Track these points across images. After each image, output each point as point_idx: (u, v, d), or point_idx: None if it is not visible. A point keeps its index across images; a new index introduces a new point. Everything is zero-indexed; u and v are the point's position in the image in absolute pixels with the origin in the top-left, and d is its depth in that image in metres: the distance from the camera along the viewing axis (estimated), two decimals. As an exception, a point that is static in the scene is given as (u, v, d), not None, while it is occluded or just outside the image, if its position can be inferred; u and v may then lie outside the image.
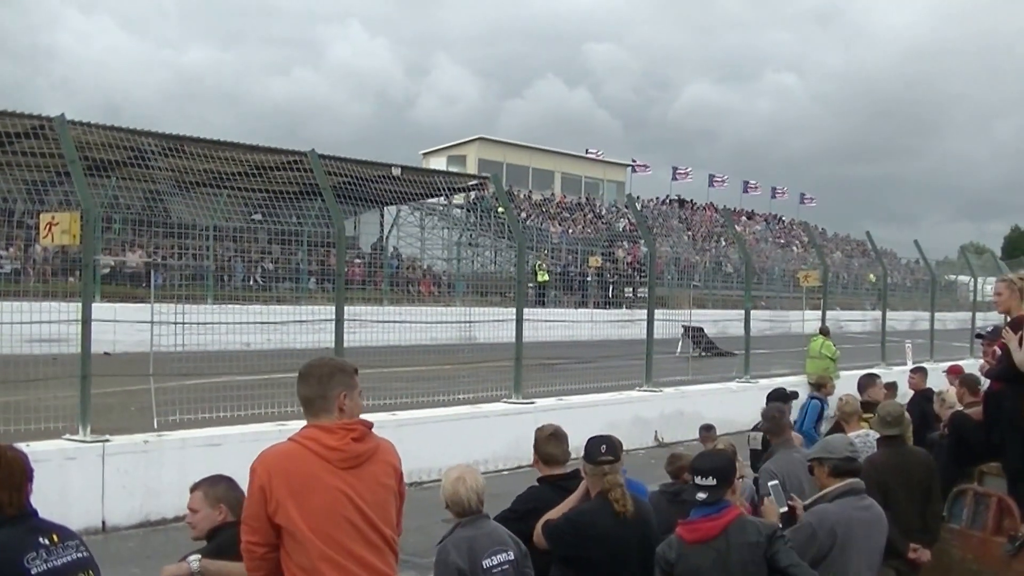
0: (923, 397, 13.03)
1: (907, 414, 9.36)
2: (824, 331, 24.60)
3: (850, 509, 6.72)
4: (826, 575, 6.54)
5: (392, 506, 5.04)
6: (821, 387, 14.69)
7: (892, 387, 14.43)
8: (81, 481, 12.49)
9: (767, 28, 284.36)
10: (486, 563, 5.94)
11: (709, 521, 5.96)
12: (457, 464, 6.46)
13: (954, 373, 15.08)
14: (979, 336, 13.58)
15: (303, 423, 4.93)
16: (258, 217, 25.09)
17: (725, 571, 5.85)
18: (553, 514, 6.60)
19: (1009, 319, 8.98)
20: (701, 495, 6.01)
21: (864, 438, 9.72)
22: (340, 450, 4.81)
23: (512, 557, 6.07)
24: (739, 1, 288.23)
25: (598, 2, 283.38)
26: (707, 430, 12.63)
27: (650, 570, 6.36)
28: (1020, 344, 8.44)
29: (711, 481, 6.01)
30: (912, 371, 15.11)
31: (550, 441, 7.14)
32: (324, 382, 4.95)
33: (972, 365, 19.44)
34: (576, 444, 7.05)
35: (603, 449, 6.56)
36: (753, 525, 6.06)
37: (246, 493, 4.83)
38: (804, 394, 15.10)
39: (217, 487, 5.59)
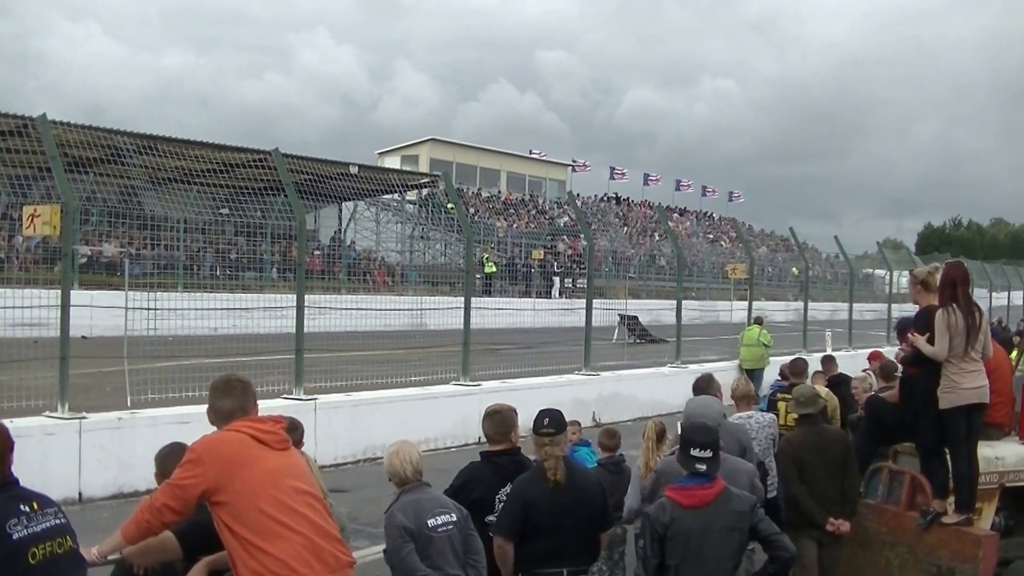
0: (832, 383, 13.10)
1: (824, 396, 9.46)
2: (759, 320, 24.72)
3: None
4: None
5: (318, 488, 5.30)
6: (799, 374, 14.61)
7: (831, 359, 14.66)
8: (60, 455, 12.48)
9: (708, 37, 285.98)
10: (431, 523, 6.06)
11: (703, 489, 6.11)
12: (397, 440, 6.55)
13: (874, 358, 15.27)
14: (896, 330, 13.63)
15: (265, 402, 5.05)
16: (225, 211, 24.95)
17: (713, 535, 6.02)
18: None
19: (918, 309, 9.12)
20: (700, 466, 6.14)
21: (747, 420, 9.82)
22: (274, 433, 5.11)
23: (455, 519, 6.19)
24: (683, 11, 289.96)
25: (550, 12, 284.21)
26: (572, 424, 12.76)
27: (584, 535, 6.57)
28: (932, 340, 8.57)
29: (708, 453, 6.15)
30: (823, 360, 15.18)
31: (487, 420, 7.22)
32: (245, 394, 5.31)
33: (889, 353, 19.74)
34: (519, 423, 7.15)
35: (545, 422, 6.67)
36: (739, 496, 6.22)
37: (186, 467, 4.97)
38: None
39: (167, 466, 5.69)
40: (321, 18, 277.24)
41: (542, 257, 41.25)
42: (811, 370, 13.80)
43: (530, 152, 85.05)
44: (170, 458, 5.68)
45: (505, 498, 6.65)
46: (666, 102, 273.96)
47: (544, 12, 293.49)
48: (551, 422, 6.67)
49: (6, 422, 4.87)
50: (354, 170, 31.75)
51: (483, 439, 7.33)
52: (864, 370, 14.27)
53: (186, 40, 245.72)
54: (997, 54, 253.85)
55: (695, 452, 6.17)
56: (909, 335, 8.85)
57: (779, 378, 14.36)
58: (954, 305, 8.51)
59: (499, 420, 7.10)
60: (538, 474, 6.58)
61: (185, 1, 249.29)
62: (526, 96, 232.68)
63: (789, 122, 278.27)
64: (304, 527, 4.92)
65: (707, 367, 23.21)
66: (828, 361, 14.76)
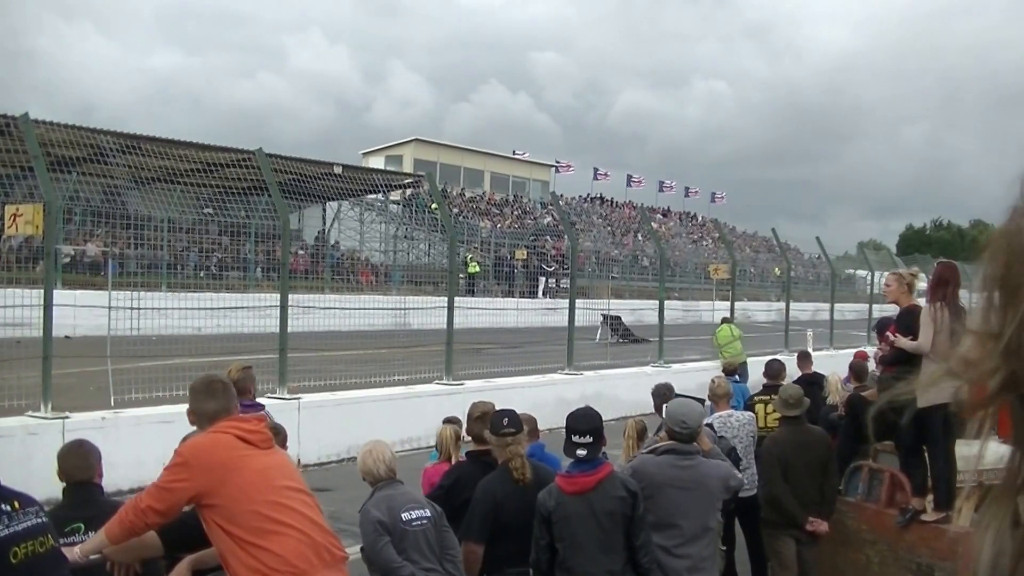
0: (804, 381, 13.08)
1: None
2: (726, 319, 24.74)
3: (666, 466, 6.88)
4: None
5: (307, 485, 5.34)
6: (733, 371, 14.71)
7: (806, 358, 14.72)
8: (43, 455, 12.34)
9: (701, 40, 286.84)
10: (405, 516, 6.10)
11: (586, 476, 6.26)
12: (370, 440, 6.60)
13: (860, 358, 15.30)
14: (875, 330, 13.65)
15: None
16: (209, 211, 24.85)
17: (596, 519, 6.16)
18: None
19: (900, 310, 9.15)
20: (581, 452, 6.30)
21: (727, 419, 9.89)
22: (259, 432, 5.17)
23: (429, 515, 6.23)
24: (680, 16, 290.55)
25: (544, 14, 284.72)
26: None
27: None
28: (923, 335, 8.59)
29: (588, 439, 6.32)
30: (799, 356, 15.18)
31: (479, 421, 7.24)
32: (227, 394, 5.37)
33: (870, 352, 19.83)
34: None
35: (505, 422, 6.73)
36: (622, 481, 6.37)
37: (174, 471, 5.02)
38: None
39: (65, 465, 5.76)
40: (314, 19, 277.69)
41: (525, 257, 41.20)
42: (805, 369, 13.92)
43: (513, 153, 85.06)
44: (68, 457, 5.76)
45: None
46: (658, 104, 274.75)
47: (538, 14, 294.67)
48: (510, 422, 6.73)
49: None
50: (338, 170, 31.68)
51: (467, 438, 7.36)
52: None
53: (179, 40, 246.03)
54: (982, 61, 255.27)
55: (576, 439, 6.34)
56: (888, 334, 8.88)
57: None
58: (941, 303, 8.55)
59: (486, 420, 7.11)
60: (504, 474, 6.63)
61: (179, 1, 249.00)
62: (518, 97, 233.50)
63: (777, 125, 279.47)
64: (300, 523, 4.97)
65: (689, 367, 23.34)
66: (804, 358, 14.76)
